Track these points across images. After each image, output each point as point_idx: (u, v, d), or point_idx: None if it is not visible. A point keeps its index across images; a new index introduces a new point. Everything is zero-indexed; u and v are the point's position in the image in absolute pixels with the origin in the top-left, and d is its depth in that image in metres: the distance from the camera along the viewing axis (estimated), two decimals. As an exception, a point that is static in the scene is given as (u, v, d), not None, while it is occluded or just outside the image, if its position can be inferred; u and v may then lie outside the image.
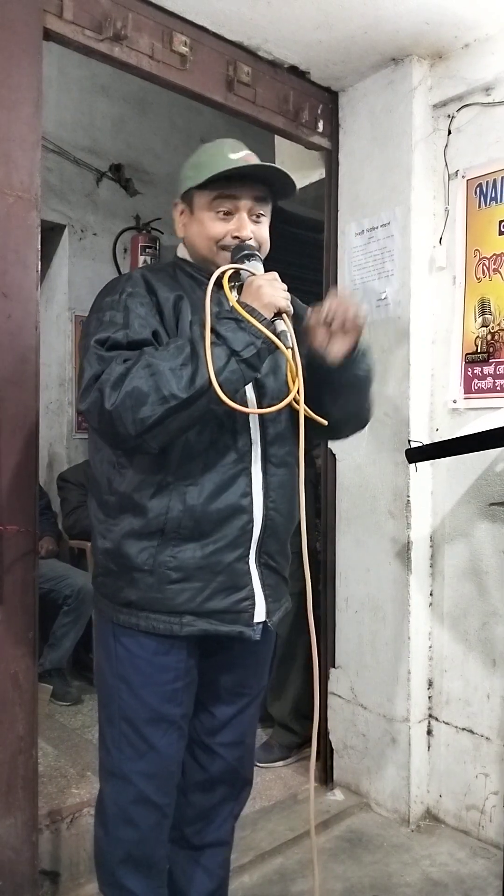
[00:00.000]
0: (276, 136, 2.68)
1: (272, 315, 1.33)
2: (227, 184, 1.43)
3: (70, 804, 2.13)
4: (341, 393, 1.50)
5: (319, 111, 2.55)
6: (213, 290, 1.34)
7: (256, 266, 1.43)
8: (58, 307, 3.96)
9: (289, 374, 1.36)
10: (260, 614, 1.49)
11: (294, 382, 1.34)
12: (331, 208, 2.64)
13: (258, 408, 1.47)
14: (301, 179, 2.85)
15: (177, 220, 1.55)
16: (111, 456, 1.45)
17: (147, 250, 3.91)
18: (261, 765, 2.67)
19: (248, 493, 1.45)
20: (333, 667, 2.64)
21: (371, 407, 1.62)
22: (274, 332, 1.32)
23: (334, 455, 2.63)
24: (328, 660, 2.65)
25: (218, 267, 1.45)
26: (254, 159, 1.48)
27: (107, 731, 1.51)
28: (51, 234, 3.84)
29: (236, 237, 1.46)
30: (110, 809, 1.51)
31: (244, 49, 2.27)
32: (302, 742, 2.79)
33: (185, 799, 1.61)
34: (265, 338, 1.31)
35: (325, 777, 2.64)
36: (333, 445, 2.61)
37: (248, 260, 1.43)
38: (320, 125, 2.56)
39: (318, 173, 2.72)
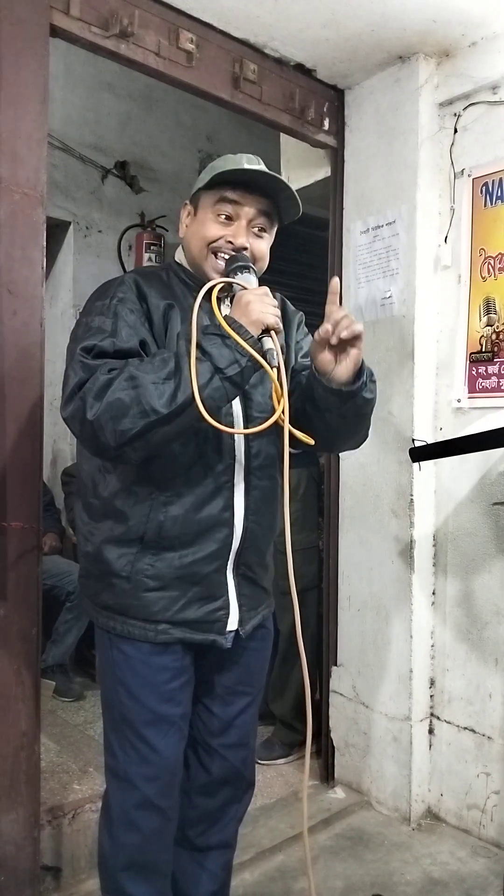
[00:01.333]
0: (281, 133, 2.68)
1: (260, 332, 1.30)
2: (233, 189, 1.42)
3: (72, 800, 2.13)
4: (347, 419, 1.45)
5: (325, 109, 2.55)
6: (203, 302, 1.31)
7: (249, 279, 1.39)
8: (62, 304, 3.96)
9: (274, 394, 1.32)
10: (233, 623, 1.48)
11: (279, 402, 1.31)
12: (336, 206, 2.64)
13: (245, 420, 1.45)
14: (306, 177, 2.85)
15: (182, 220, 1.53)
16: (97, 460, 1.44)
17: (152, 248, 3.92)
18: (262, 762, 2.68)
19: (230, 508, 1.44)
20: (335, 665, 2.64)
21: (369, 426, 1.56)
22: (260, 350, 1.29)
23: (337, 454, 2.63)
24: (330, 658, 2.65)
25: (205, 272, 1.44)
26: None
27: (111, 735, 1.51)
28: (56, 231, 3.84)
29: (230, 243, 1.43)
30: (115, 813, 1.50)
31: (250, 46, 2.27)
32: (303, 740, 2.78)
33: (188, 801, 1.61)
34: (250, 356, 1.28)
35: (327, 775, 2.65)
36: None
37: (241, 272, 1.39)
38: (326, 123, 2.55)
39: (324, 171, 2.72)
